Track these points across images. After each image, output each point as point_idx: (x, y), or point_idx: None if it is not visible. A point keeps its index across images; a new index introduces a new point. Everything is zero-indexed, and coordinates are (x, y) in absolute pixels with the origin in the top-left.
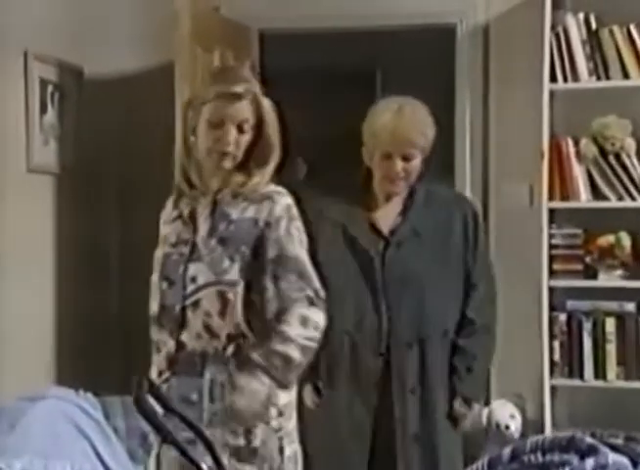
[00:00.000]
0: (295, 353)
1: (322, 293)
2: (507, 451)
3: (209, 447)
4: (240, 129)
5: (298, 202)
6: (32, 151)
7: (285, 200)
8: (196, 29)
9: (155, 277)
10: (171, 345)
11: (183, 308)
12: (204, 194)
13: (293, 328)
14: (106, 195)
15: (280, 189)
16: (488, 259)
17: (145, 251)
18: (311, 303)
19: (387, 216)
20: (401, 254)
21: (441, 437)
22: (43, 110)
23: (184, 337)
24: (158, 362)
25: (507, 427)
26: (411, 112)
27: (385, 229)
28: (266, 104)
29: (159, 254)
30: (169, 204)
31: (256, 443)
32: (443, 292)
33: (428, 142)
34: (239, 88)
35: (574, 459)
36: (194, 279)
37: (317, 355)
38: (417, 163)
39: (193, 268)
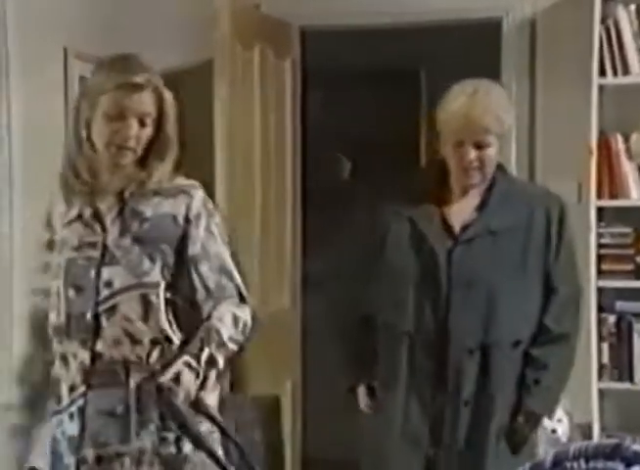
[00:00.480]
0: (221, 360)
1: (245, 290)
2: (549, 458)
3: (241, 453)
4: (141, 123)
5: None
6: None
7: (200, 193)
8: (236, 27)
9: (56, 285)
10: (85, 356)
11: (96, 316)
12: (101, 192)
13: (226, 329)
14: None
15: (193, 182)
16: (574, 261)
17: None
18: (241, 300)
19: (461, 211)
20: (471, 252)
21: (491, 457)
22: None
23: (99, 346)
24: (67, 377)
25: (554, 431)
26: (485, 94)
27: (457, 225)
28: (168, 96)
29: (58, 260)
30: (60, 204)
31: (187, 450)
32: (518, 296)
33: (504, 128)
34: (140, 78)
35: (620, 467)
36: (109, 284)
37: (374, 354)
38: (492, 151)
39: (107, 272)
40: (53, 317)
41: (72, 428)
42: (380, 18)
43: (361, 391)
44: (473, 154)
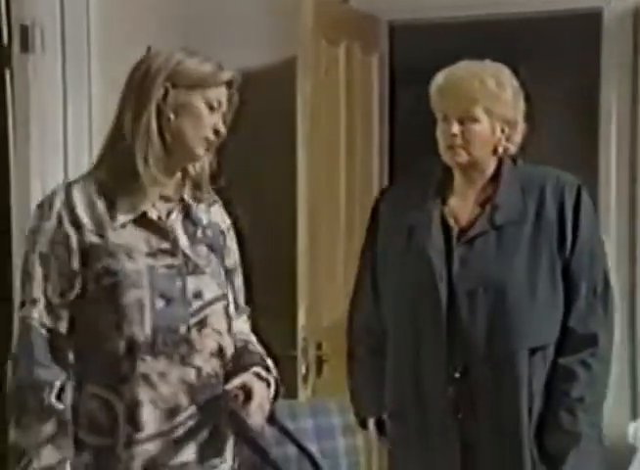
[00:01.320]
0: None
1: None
2: None
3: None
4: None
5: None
6: None
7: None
8: (320, 21)
9: (136, 295)
10: (184, 373)
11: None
12: (157, 193)
13: (256, 344)
14: (227, 195)
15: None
16: (596, 251)
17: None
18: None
19: (464, 207)
20: (473, 253)
21: None
22: (215, 118)
23: (198, 361)
24: (154, 398)
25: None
26: (473, 65)
27: (457, 224)
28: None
29: (131, 266)
30: (99, 203)
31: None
32: (532, 298)
33: (499, 104)
34: (229, 75)
35: None
36: (198, 295)
37: (382, 383)
38: (480, 127)
39: (194, 282)
40: (135, 331)
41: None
42: (473, 10)
43: (371, 424)
44: (456, 128)
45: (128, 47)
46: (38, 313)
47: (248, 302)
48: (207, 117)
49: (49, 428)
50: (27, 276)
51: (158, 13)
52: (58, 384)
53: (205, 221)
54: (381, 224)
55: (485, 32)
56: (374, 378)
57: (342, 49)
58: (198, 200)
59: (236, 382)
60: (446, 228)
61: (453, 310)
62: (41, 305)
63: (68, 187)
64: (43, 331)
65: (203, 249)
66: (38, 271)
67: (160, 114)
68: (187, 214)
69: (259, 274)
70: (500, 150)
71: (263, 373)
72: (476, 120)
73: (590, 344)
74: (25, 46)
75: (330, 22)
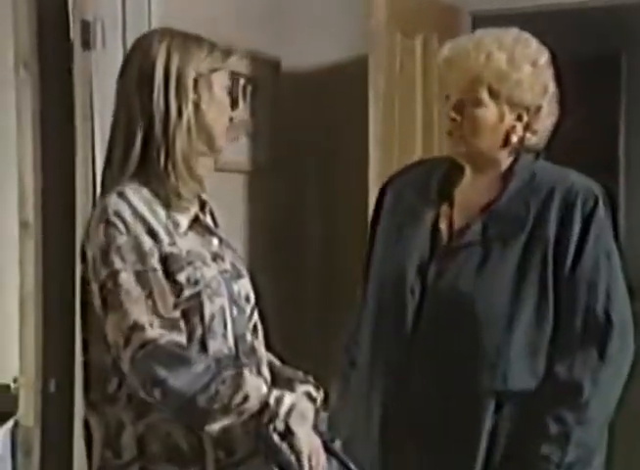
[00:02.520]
0: None
1: None
2: None
3: None
4: None
5: None
6: None
7: None
8: (394, 13)
9: (218, 304)
10: (260, 385)
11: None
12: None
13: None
14: (302, 193)
15: None
16: (600, 278)
17: (350, 250)
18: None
19: (465, 208)
20: (452, 267)
21: None
22: (234, 104)
23: (265, 371)
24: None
25: None
26: (487, 35)
27: (452, 227)
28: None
29: (209, 273)
30: (159, 210)
31: None
32: (509, 331)
33: (510, 85)
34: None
35: None
36: (248, 299)
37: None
38: (486, 114)
39: (241, 287)
40: (219, 343)
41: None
42: None
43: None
44: (452, 112)
45: None
46: (159, 333)
47: None
48: (227, 103)
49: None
50: (127, 302)
51: (221, 8)
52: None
53: (218, 221)
54: (380, 222)
55: (576, 23)
56: (345, 399)
57: (418, 42)
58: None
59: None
60: (436, 233)
61: (417, 334)
62: (157, 324)
63: (123, 195)
64: (175, 347)
65: (231, 251)
66: (140, 292)
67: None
68: (211, 214)
69: (340, 277)
70: (514, 140)
71: (314, 392)
72: (479, 103)
73: (572, 395)
74: (87, 42)
75: (405, 13)
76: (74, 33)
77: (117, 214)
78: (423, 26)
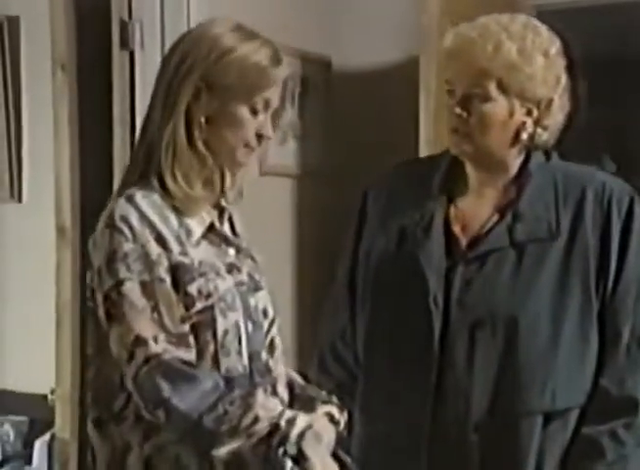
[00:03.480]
0: None
1: None
2: None
3: None
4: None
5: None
6: (266, 152)
7: None
8: (448, 8)
9: (232, 319)
10: (278, 412)
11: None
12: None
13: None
14: (354, 198)
15: None
16: None
17: None
18: None
19: (477, 211)
20: (483, 275)
21: None
22: (276, 115)
23: (280, 389)
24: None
25: None
26: (494, 22)
27: (465, 235)
28: None
29: (222, 285)
30: (171, 216)
31: None
32: (555, 342)
33: (521, 78)
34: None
35: None
36: (266, 313)
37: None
38: (494, 109)
39: (260, 299)
40: (233, 361)
41: None
42: None
43: None
44: (458, 108)
45: None
46: (164, 349)
47: None
48: (250, 123)
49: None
50: (131, 314)
51: (266, 6)
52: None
53: (238, 229)
54: (367, 224)
55: None
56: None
57: None
58: (229, 203)
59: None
60: (450, 237)
61: (447, 349)
62: (162, 338)
63: (132, 200)
64: (181, 364)
65: (250, 261)
66: (145, 304)
67: (190, 117)
68: (230, 222)
69: None
70: (524, 137)
71: (336, 414)
72: (487, 98)
73: (626, 411)
74: (125, 43)
75: (461, 8)
76: (113, 33)
77: (124, 220)
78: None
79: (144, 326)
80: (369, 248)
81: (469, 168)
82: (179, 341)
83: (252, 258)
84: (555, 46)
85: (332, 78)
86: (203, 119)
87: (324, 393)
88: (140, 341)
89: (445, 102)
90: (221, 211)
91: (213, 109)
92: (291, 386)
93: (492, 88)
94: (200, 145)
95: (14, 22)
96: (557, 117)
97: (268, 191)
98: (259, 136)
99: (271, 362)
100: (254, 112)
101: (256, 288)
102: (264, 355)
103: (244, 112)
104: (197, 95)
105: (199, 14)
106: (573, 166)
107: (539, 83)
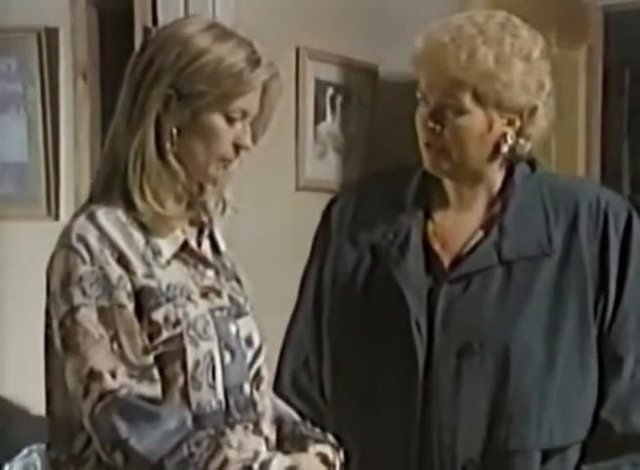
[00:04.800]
0: None
1: None
2: None
3: None
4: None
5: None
6: (303, 165)
7: None
8: (499, 8)
9: (205, 349)
10: (259, 445)
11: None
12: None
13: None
14: None
15: None
16: None
17: None
18: None
19: (458, 227)
20: (468, 297)
21: None
22: (321, 116)
23: (266, 430)
24: None
25: None
26: (469, 22)
27: (447, 253)
28: None
29: (194, 311)
30: (136, 234)
31: None
32: (550, 372)
33: (498, 87)
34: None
35: None
36: (249, 341)
37: None
38: (470, 122)
39: (243, 326)
40: (204, 396)
41: None
42: None
43: None
44: (431, 121)
45: (276, 48)
46: (121, 384)
47: None
48: (225, 133)
49: None
50: (86, 344)
51: (301, 10)
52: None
53: (222, 247)
54: (332, 242)
55: None
56: None
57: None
58: (211, 219)
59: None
60: (429, 256)
61: (431, 379)
62: (122, 372)
63: (93, 217)
64: (140, 401)
65: (234, 283)
66: (103, 332)
67: (160, 128)
68: (212, 240)
69: None
70: (505, 149)
71: (331, 455)
72: (461, 110)
73: (632, 448)
74: None
75: (513, 8)
76: (137, 41)
77: (81, 239)
78: (537, 24)
79: (100, 358)
80: (335, 268)
81: (446, 182)
82: (142, 374)
83: (238, 281)
84: (537, 48)
85: (378, 88)
86: (174, 130)
87: (318, 430)
88: (95, 375)
89: (418, 111)
90: (201, 228)
91: (185, 119)
92: (280, 422)
93: (467, 99)
94: (171, 158)
95: (52, 33)
96: (541, 125)
97: (306, 208)
98: (237, 147)
99: (256, 396)
100: (231, 120)
101: (239, 314)
102: (246, 389)
103: (218, 121)
104: (166, 104)
105: (224, 20)
106: (561, 178)
107: (518, 91)
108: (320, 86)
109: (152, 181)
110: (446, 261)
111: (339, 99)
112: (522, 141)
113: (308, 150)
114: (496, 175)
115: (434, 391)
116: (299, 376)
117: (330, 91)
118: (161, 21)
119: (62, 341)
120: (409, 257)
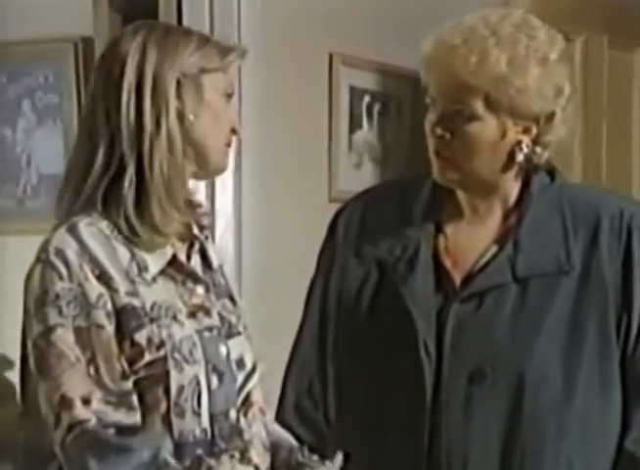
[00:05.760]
0: None
1: None
2: None
3: None
4: None
5: None
6: (337, 176)
7: None
8: (542, 8)
9: (191, 371)
10: None
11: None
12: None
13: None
14: None
15: None
16: None
17: None
18: None
19: (470, 241)
20: (479, 317)
21: None
22: (356, 125)
23: (255, 458)
24: None
25: None
26: (480, 23)
27: (458, 270)
28: None
29: (179, 333)
30: (120, 248)
31: None
32: (569, 400)
33: (511, 93)
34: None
35: None
36: (241, 363)
37: None
38: (481, 130)
39: (234, 347)
40: (187, 424)
41: None
42: None
43: None
44: (441, 127)
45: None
46: (94, 412)
47: None
48: (226, 113)
49: None
50: (60, 368)
51: (336, 14)
52: None
53: (215, 262)
54: (337, 257)
55: None
56: None
57: (578, 45)
58: (203, 231)
59: None
60: (439, 272)
61: (439, 405)
62: (98, 398)
63: (74, 230)
64: (111, 430)
65: (227, 301)
66: (79, 355)
67: (179, 114)
68: (203, 255)
69: None
70: (520, 158)
71: None
72: (472, 117)
73: None
74: None
75: (560, 9)
76: None
77: (59, 253)
78: (585, 25)
79: (74, 383)
80: (340, 286)
81: (459, 193)
82: (119, 400)
83: (231, 298)
84: (555, 50)
85: (419, 96)
86: (190, 116)
87: (315, 457)
88: (66, 402)
89: (426, 117)
90: (192, 241)
91: (195, 102)
92: (276, 448)
93: (478, 105)
94: (178, 149)
95: (88, 42)
96: (559, 133)
97: None
98: (233, 131)
99: (243, 423)
100: (227, 99)
101: (230, 334)
102: (232, 415)
103: (220, 101)
104: (178, 91)
105: (250, 24)
106: (582, 188)
107: (534, 97)
108: (355, 94)
109: (173, 184)
110: (458, 278)
111: (376, 107)
112: (538, 149)
113: (342, 160)
114: (512, 186)
115: (443, 418)
116: (303, 401)
117: (366, 99)
118: (186, 25)
119: (35, 363)
120: (418, 273)
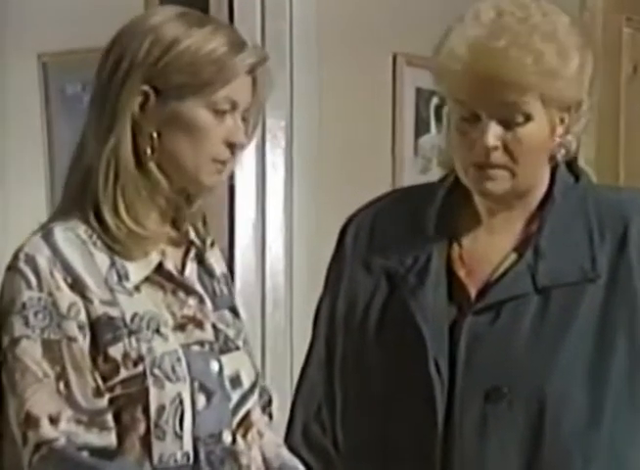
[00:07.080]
0: None
1: None
2: None
3: None
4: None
5: None
6: (401, 181)
7: None
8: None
9: (174, 390)
10: None
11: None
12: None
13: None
14: None
15: None
16: None
17: None
18: None
19: (487, 249)
20: (496, 330)
21: None
22: (423, 128)
23: None
24: None
25: None
26: (514, 17)
27: (474, 280)
28: None
29: (161, 347)
30: (98, 254)
31: None
32: (596, 421)
33: (560, 84)
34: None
35: None
36: (236, 381)
37: None
38: (534, 130)
39: (229, 363)
40: (167, 447)
41: None
42: None
43: None
44: (492, 137)
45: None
46: (62, 431)
47: None
48: (214, 130)
49: None
50: (25, 384)
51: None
52: None
53: (217, 271)
54: (345, 271)
55: None
56: None
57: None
58: (203, 238)
59: None
60: (452, 284)
61: (452, 428)
62: (67, 416)
63: (48, 235)
64: (84, 453)
65: (226, 313)
66: (47, 370)
67: (137, 132)
68: (200, 263)
69: None
70: (562, 151)
71: None
72: (527, 119)
73: None
74: None
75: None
76: None
77: (30, 260)
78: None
79: (40, 400)
80: (348, 304)
81: (477, 198)
82: (91, 419)
83: (233, 310)
84: (583, 34)
85: None
86: (154, 134)
87: None
88: (31, 421)
89: (454, 124)
90: (188, 247)
91: (165, 118)
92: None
93: (535, 106)
94: (152, 166)
95: None
96: (583, 121)
97: None
98: (230, 145)
99: (240, 446)
100: (219, 114)
101: (226, 349)
102: (226, 437)
103: (205, 116)
104: (142, 104)
105: (304, 23)
106: (609, 189)
107: (576, 86)
108: (422, 95)
109: (128, 194)
110: (473, 290)
111: (445, 109)
112: (569, 138)
113: (407, 165)
114: (541, 188)
115: (457, 443)
116: (311, 425)
117: (434, 101)
118: (238, 21)
119: (5, 378)
120: (428, 285)
